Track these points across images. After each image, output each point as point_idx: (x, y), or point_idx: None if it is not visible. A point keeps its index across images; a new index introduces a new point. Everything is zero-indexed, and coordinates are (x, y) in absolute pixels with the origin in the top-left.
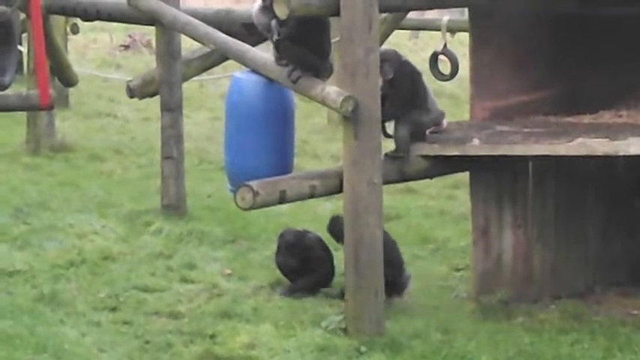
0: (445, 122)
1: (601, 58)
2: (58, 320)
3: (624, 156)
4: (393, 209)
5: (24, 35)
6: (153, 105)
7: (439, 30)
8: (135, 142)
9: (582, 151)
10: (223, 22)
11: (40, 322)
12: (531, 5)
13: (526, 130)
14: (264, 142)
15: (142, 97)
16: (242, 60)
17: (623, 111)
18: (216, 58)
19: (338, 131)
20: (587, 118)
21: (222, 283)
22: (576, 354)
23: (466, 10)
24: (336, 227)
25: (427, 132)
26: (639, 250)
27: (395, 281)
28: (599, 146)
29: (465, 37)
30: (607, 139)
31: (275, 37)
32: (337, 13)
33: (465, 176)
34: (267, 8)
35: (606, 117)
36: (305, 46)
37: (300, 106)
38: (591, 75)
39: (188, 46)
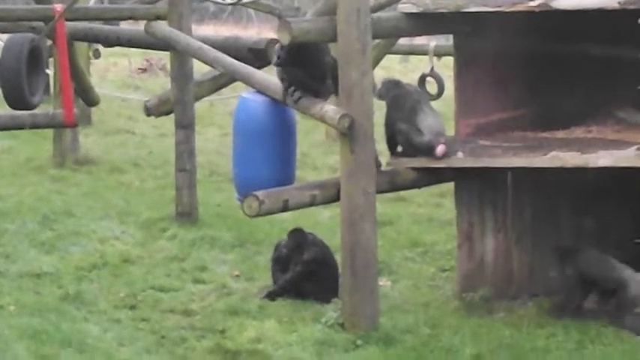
0: (440, 149)
1: (573, 79)
2: (82, 317)
3: (594, 167)
4: (385, 216)
5: (50, 60)
6: (168, 122)
7: (427, 54)
8: (152, 156)
9: (556, 163)
10: (231, 47)
11: (65, 319)
12: (502, 40)
13: (505, 144)
14: (269, 156)
15: (158, 115)
16: (248, 82)
17: (593, 127)
18: (225, 80)
19: (335, 146)
20: (560, 134)
21: (231, 284)
22: (551, 346)
23: (451, 36)
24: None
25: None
26: (607, 252)
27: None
28: (571, 159)
29: (450, 60)
30: (578, 153)
31: (275, 60)
32: (334, 39)
33: (450, 186)
34: None
35: (578, 132)
36: (303, 70)
37: (301, 123)
38: (564, 94)
39: (200, 69)
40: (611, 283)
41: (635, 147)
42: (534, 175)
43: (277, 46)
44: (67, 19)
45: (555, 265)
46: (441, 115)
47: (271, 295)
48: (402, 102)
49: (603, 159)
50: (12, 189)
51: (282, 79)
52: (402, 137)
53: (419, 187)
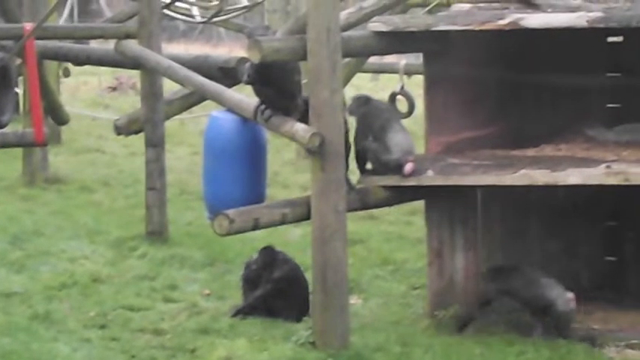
0: (408, 168)
1: (543, 97)
2: (52, 337)
3: (563, 185)
4: (356, 234)
5: (20, 78)
6: (138, 141)
7: (397, 72)
8: (122, 175)
9: (525, 181)
10: (201, 66)
11: (34, 339)
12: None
13: (475, 162)
14: (239, 174)
15: (128, 134)
16: (219, 100)
17: (563, 145)
18: (195, 98)
19: (306, 164)
20: (530, 152)
21: (201, 303)
22: None
23: (421, 54)
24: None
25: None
26: (577, 269)
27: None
28: (541, 177)
29: (420, 79)
30: (548, 171)
31: (245, 78)
32: (305, 58)
33: (420, 204)
34: None
35: (547, 150)
36: (273, 88)
37: (272, 142)
38: (534, 112)
39: (170, 87)
40: (539, 302)
41: (604, 165)
42: (504, 193)
43: (247, 64)
44: (37, 38)
45: (486, 285)
46: (411, 134)
47: (240, 313)
48: (372, 119)
49: (572, 177)
50: None
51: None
52: (370, 154)
53: (389, 205)
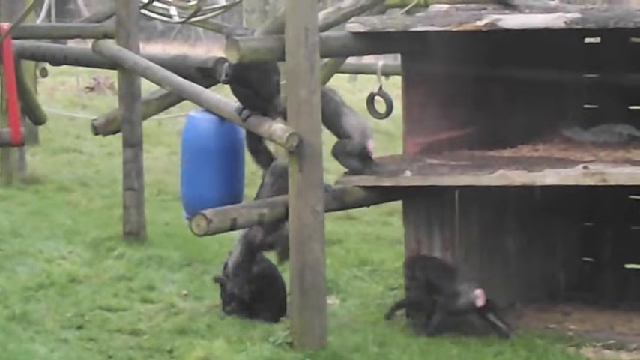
0: (371, 144)
1: (520, 98)
2: (29, 338)
3: (541, 186)
4: (334, 235)
5: None
6: (115, 141)
7: (375, 73)
8: (99, 175)
9: (503, 182)
10: (179, 66)
11: (12, 340)
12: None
13: (453, 163)
14: (217, 175)
15: (106, 134)
16: (196, 100)
17: (540, 145)
18: (173, 98)
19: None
20: (507, 152)
21: (179, 303)
22: None
23: (399, 55)
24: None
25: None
26: (554, 270)
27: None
28: (518, 177)
29: (398, 79)
30: (525, 171)
31: (222, 78)
32: (283, 58)
33: (398, 204)
34: None
35: (524, 151)
36: (251, 88)
37: None
38: (511, 113)
39: (147, 87)
40: (445, 292)
41: (581, 165)
42: (482, 193)
43: (225, 64)
44: (14, 38)
45: (406, 275)
46: (389, 134)
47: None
48: (323, 107)
49: (549, 177)
50: None
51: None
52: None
53: (367, 205)
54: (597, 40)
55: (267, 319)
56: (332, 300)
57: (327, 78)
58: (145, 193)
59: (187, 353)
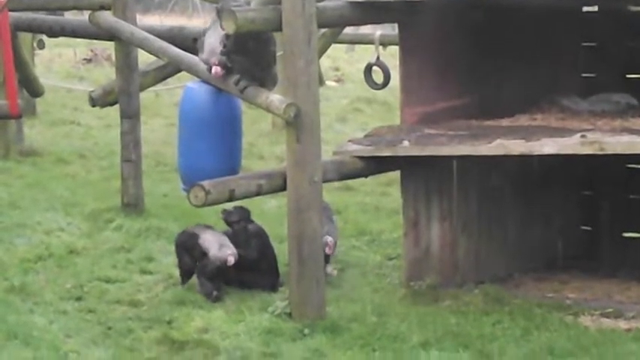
0: (214, 70)
1: (517, 67)
2: (28, 309)
3: (538, 155)
4: (332, 205)
5: None
6: (113, 113)
7: (372, 43)
8: (97, 147)
9: (501, 151)
10: (176, 37)
11: (11, 312)
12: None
13: (451, 132)
14: (215, 146)
15: (103, 105)
16: (194, 71)
17: (538, 115)
18: (170, 70)
19: (282, 135)
20: (505, 122)
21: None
22: (498, 333)
23: (396, 25)
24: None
25: None
26: (552, 239)
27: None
28: (516, 147)
29: (395, 49)
30: (523, 140)
31: (221, 49)
32: (280, 29)
33: (396, 174)
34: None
35: (522, 120)
36: (248, 59)
37: (247, 113)
38: (509, 82)
39: (145, 59)
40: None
41: (579, 134)
42: (480, 163)
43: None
44: (11, 10)
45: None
46: (386, 104)
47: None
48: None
49: (547, 147)
50: None
51: (224, 67)
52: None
53: (365, 175)
54: (595, 8)
55: (265, 289)
56: (330, 270)
57: (324, 48)
58: (142, 164)
59: (186, 324)
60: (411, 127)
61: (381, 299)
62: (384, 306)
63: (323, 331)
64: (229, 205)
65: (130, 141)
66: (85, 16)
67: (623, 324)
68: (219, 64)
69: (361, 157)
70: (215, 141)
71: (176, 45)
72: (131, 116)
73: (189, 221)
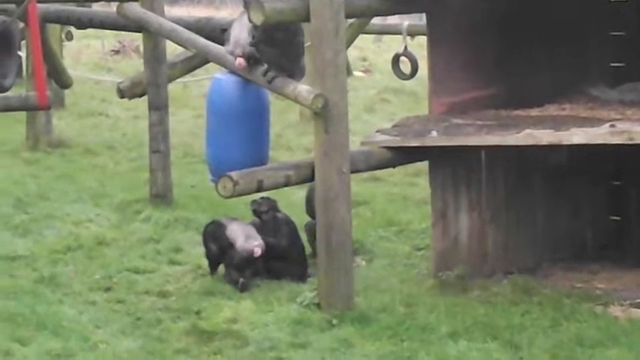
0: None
1: (546, 57)
2: (57, 300)
3: (567, 145)
4: (360, 196)
5: (23, 42)
6: (141, 104)
7: (400, 34)
8: (125, 138)
9: (530, 141)
10: (204, 28)
11: (40, 302)
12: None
13: (479, 122)
14: (242, 137)
15: (131, 97)
16: (222, 62)
17: (566, 104)
18: (198, 61)
19: (309, 126)
20: (534, 112)
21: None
22: (526, 323)
23: (424, 15)
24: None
25: None
26: (581, 230)
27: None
28: (545, 136)
29: (423, 40)
30: (552, 130)
31: (250, 40)
32: (307, 20)
33: (424, 165)
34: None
35: (551, 110)
36: (277, 49)
37: (275, 104)
38: (537, 72)
39: (173, 50)
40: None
41: (608, 124)
42: (508, 153)
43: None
44: (39, 1)
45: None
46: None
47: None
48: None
49: (577, 136)
50: None
51: (249, 59)
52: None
53: (393, 166)
54: None
55: (294, 279)
56: (358, 261)
57: (352, 39)
58: (171, 155)
59: (215, 314)
60: (439, 118)
61: (409, 290)
62: (412, 296)
63: (351, 322)
64: (257, 197)
65: (159, 132)
66: (113, 7)
67: None
68: (243, 56)
69: (389, 148)
70: (243, 132)
71: (204, 36)
72: (159, 107)
73: (217, 212)
